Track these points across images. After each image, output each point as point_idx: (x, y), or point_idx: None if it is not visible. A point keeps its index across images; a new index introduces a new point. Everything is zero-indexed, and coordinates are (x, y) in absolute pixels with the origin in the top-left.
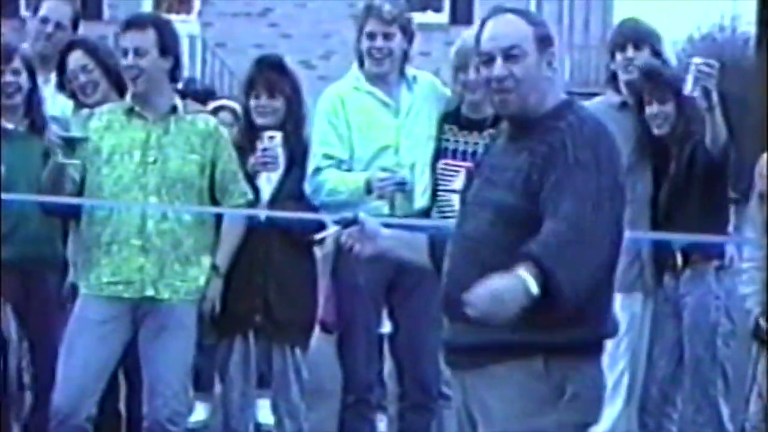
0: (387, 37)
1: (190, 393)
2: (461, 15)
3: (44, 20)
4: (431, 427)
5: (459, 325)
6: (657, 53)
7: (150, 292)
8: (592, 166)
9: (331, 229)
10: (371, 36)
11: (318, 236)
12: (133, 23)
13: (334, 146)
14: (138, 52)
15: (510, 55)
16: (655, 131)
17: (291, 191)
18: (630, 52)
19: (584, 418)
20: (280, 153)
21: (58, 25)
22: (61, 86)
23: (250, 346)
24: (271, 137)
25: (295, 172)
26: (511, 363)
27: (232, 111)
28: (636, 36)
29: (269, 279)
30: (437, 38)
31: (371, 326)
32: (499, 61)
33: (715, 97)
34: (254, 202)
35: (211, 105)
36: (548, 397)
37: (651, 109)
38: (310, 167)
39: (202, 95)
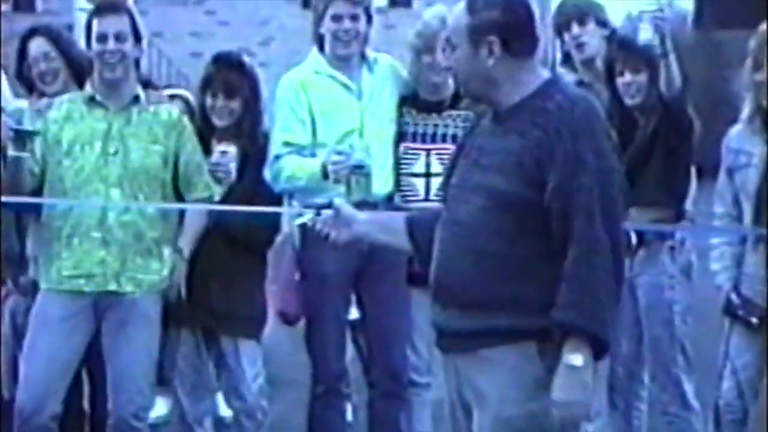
0: (354, 18)
1: None
2: None
3: None
4: (401, 416)
5: (452, 311)
6: (603, 23)
7: (112, 287)
8: (592, 159)
9: (307, 216)
10: (337, 18)
11: (297, 222)
12: (110, 8)
13: (295, 133)
14: (119, 37)
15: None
16: (628, 101)
17: (241, 196)
18: (575, 29)
19: None
20: (233, 168)
21: None
22: (20, 75)
23: (199, 338)
24: (224, 152)
25: (246, 177)
26: (504, 347)
27: (185, 100)
28: (578, 12)
29: (212, 277)
30: (376, 21)
31: (340, 315)
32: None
33: (669, 42)
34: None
35: (163, 93)
36: (542, 381)
37: (623, 79)
38: (271, 154)
39: (141, 85)
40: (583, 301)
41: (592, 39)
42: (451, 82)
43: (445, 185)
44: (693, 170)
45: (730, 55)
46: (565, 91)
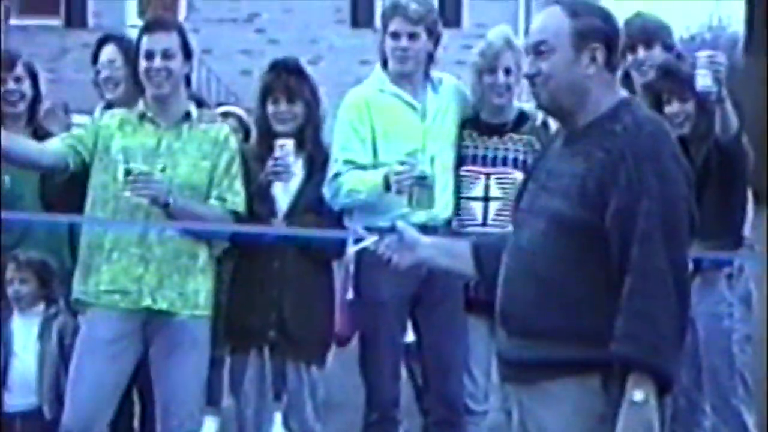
0: (412, 36)
1: None
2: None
3: None
4: None
5: (515, 340)
6: (669, 47)
7: (147, 302)
8: (656, 184)
9: (369, 240)
10: (395, 36)
11: (356, 247)
12: (159, 25)
13: (356, 152)
14: (166, 54)
15: (539, 51)
16: (676, 130)
17: (310, 202)
18: (641, 53)
19: None
20: (292, 162)
21: None
22: (95, 81)
23: (265, 361)
24: (282, 145)
25: (314, 180)
26: (567, 379)
27: (238, 118)
28: (644, 35)
29: (285, 293)
30: None
31: (396, 340)
32: (530, 57)
33: (724, 88)
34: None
35: (217, 111)
36: (606, 416)
37: (671, 108)
38: (330, 173)
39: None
40: (642, 333)
41: (656, 63)
42: (514, 104)
43: (515, 210)
44: (750, 195)
45: None
46: (635, 114)
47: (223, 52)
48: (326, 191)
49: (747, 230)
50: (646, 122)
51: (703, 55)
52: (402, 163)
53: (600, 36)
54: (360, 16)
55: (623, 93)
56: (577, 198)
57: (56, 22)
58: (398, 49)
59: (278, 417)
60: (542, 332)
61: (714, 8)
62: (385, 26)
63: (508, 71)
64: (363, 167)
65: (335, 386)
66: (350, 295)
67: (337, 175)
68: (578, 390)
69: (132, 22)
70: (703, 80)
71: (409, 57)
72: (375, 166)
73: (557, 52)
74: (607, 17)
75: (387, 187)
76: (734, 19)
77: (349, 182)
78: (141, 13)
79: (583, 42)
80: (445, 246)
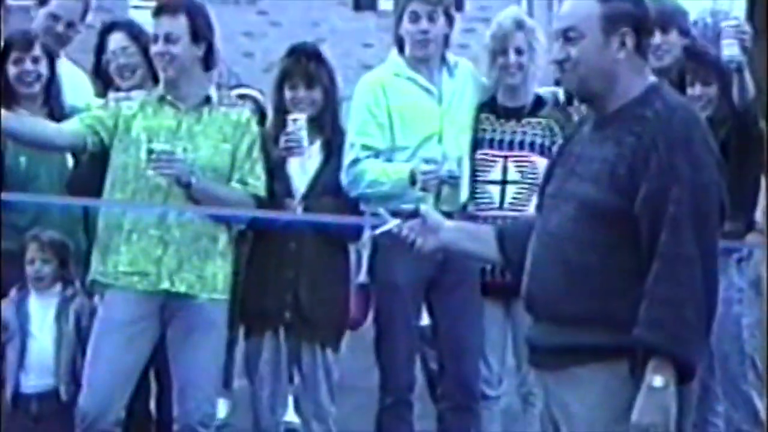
0: (432, 18)
1: None
2: None
3: (55, 17)
4: (470, 429)
5: (542, 325)
6: (685, 32)
7: (165, 285)
8: (687, 171)
9: (392, 223)
10: (415, 16)
11: (378, 230)
12: (165, 8)
13: (374, 136)
14: (169, 38)
15: (568, 36)
16: None
17: (328, 184)
18: (658, 37)
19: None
20: (304, 136)
21: (70, 25)
22: (96, 70)
23: (280, 343)
24: (295, 120)
25: (332, 164)
26: (596, 365)
27: (254, 100)
28: (662, 19)
29: (301, 275)
30: None
31: (411, 324)
32: (559, 42)
33: (746, 56)
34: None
35: (233, 93)
36: (633, 403)
37: (693, 91)
38: (347, 158)
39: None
40: (665, 319)
41: (673, 48)
42: (530, 87)
43: (541, 194)
44: (763, 181)
45: None
46: (666, 99)
47: (225, 34)
48: (344, 177)
49: (758, 215)
50: (678, 107)
51: (728, 24)
52: (428, 161)
53: (630, 20)
54: None
55: (653, 78)
56: (608, 183)
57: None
58: (419, 32)
59: (291, 400)
60: (571, 318)
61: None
62: (403, 8)
63: (519, 51)
64: (380, 151)
65: (345, 369)
66: (362, 278)
67: (356, 161)
68: (606, 375)
69: (135, 3)
70: (730, 50)
71: (429, 40)
72: (392, 151)
73: (587, 37)
74: (637, 1)
75: (412, 182)
76: (736, 4)
77: (372, 172)
78: None
79: (612, 26)
80: (469, 230)
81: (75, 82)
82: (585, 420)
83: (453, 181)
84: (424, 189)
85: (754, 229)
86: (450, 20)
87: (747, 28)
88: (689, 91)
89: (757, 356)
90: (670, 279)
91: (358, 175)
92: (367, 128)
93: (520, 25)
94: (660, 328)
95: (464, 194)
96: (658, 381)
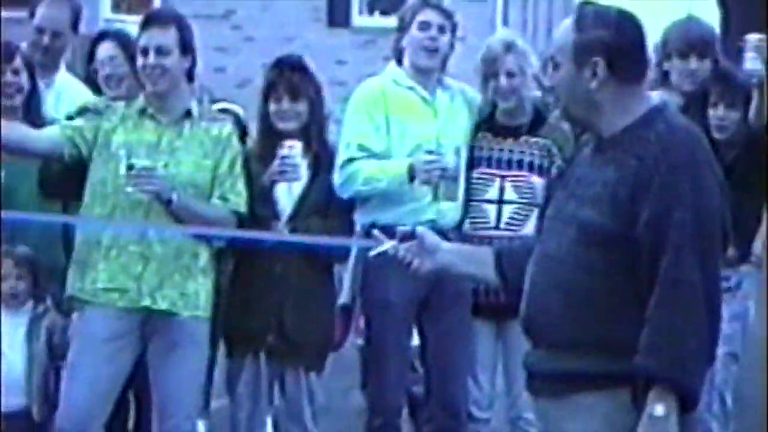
0: (441, 30)
1: None
2: None
3: (40, 30)
4: None
5: (541, 351)
6: (716, 60)
7: (146, 302)
8: (690, 194)
9: (387, 244)
10: (425, 26)
11: (374, 252)
12: (155, 20)
13: (370, 138)
14: (161, 51)
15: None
16: (715, 134)
17: (315, 204)
18: (694, 63)
19: None
20: (301, 162)
21: (56, 35)
22: (88, 78)
23: (260, 365)
24: (291, 146)
25: (320, 181)
26: (596, 393)
27: (235, 115)
28: (702, 45)
29: (286, 298)
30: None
31: (403, 345)
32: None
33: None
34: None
35: (213, 108)
36: (635, 430)
37: (716, 112)
38: (341, 158)
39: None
40: (666, 347)
41: (704, 73)
42: (528, 107)
43: (541, 216)
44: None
45: None
46: (670, 121)
47: (199, 47)
48: (337, 177)
49: (757, 246)
50: (681, 130)
51: (752, 38)
52: (429, 152)
53: (602, 49)
54: (337, 15)
55: (656, 99)
56: (609, 207)
57: (23, 13)
58: (428, 39)
59: (269, 422)
60: (570, 344)
61: (688, 8)
62: (412, 16)
63: (510, 74)
64: (375, 154)
65: (325, 390)
66: (343, 299)
67: (350, 161)
68: (608, 403)
69: (106, 16)
70: (752, 63)
71: (438, 49)
72: (386, 156)
73: (563, 67)
74: (617, 28)
75: (411, 177)
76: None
77: (368, 169)
78: (115, 7)
79: (582, 57)
80: (466, 252)
81: (74, 93)
82: None
83: (452, 173)
84: (425, 182)
85: (749, 261)
86: (452, 43)
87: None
88: (711, 112)
89: (727, 390)
90: (671, 305)
91: (353, 174)
92: (364, 129)
93: (509, 47)
94: (661, 355)
95: (451, 212)
96: (659, 410)
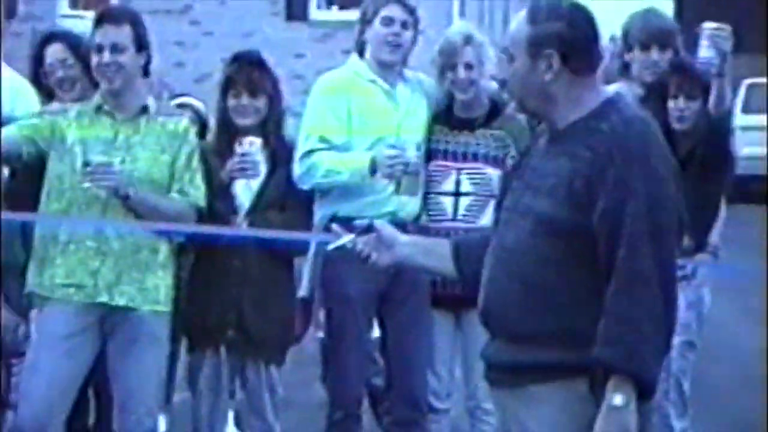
0: (404, 25)
1: None
2: None
3: None
4: None
5: (499, 342)
6: (677, 51)
7: (103, 298)
8: (642, 186)
9: (345, 238)
10: (389, 21)
11: (332, 246)
12: (109, 18)
13: (331, 130)
14: (116, 48)
15: (509, 55)
16: (675, 125)
17: (274, 198)
18: (655, 54)
19: None
20: (261, 159)
21: None
22: (36, 81)
23: (221, 359)
24: (251, 143)
25: (278, 176)
26: (554, 384)
27: (195, 110)
28: (662, 36)
29: (245, 292)
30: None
31: (363, 338)
32: (505, 61)
33: (725, 62)
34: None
35: (172, 103)
36: (593, 422)
37: (676, 103)
38: (301, 150)
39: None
40: (624, 337)
41: (665, 64)
42: (483, 99)
43: (497, 208)
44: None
45: None
46: (623, 112)
47: (157, 43)
48: (297, 168)
49: (714, 236)
50: (635, 121)
51: (708, 26)
52: (392, 147)
53: (556, 42)
54: (295, 9)
55: (610, 91)
56: (564, 198)
57: None
58: (392, 34)
59: (231, 415)
60: (528, 335)
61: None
62: (375, 11)
63: (469, 66)
64: (335, 146)
65: (285, 383)
66: (302, 292)
67: (311, 152)
68: (565, 394)
69: (63, 12)
70: (706, 51)
71: (401, 45)
72: (347, 148)
73: (517, 60)
74: (570, 21)
75: (372, 171)
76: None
77: (328, 162)
78: (73, 3)
79: (536, 49)
80: (424, 245)
81: (16, 88)
82: None
83: (414, 167)
84: (388, 176)
85: (705, 250)
86: (415, 37)
87: (726, 33)
88: (671, 103)
89: (684, 378)
90: (628, 296)
91: (313, 166)
92: (325, 121)
93: (468, 39)
94: (618, 346)
95: (410, 204)
96: (618, 399)
